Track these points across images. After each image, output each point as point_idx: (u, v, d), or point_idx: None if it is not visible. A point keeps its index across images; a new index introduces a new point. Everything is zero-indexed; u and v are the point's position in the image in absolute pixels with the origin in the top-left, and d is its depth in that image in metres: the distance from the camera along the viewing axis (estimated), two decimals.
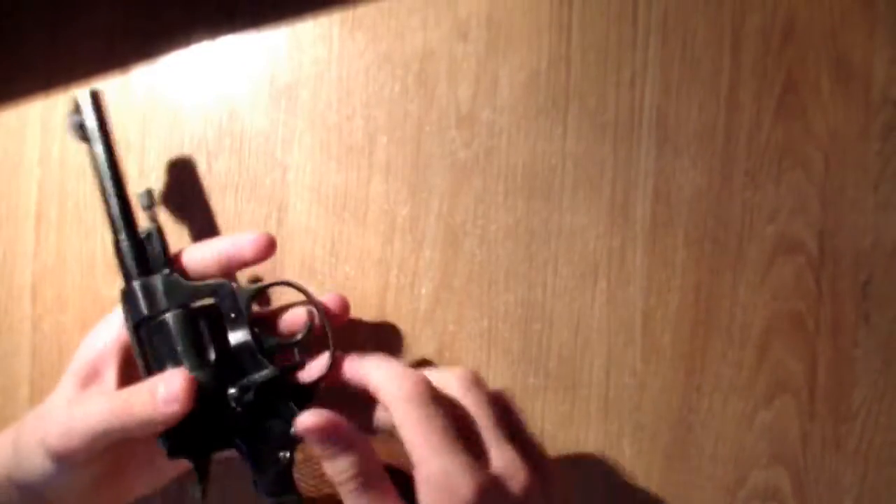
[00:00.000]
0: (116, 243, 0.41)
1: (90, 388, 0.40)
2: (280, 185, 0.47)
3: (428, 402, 0.34)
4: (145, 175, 0.49)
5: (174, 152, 0.49)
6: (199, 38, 0.49)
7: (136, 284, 0.40)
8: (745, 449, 0.42)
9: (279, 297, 0.47)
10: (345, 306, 0.42)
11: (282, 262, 0.47)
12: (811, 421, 0.41)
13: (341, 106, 0.47)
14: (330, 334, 0.40)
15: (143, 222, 0.42)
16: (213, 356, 0.39)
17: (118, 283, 0.41)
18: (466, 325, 0.45)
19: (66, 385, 0.40)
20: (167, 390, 0.36)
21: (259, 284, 0.41)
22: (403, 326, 0.46)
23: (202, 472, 0.38)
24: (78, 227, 0.50)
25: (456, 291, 0.45)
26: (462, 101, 0.45)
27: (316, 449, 0.34)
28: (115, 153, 0.41)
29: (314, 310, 0.41)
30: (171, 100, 0.49)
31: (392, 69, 0.46)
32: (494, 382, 0.44)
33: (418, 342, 0.45)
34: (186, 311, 0.39)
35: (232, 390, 0.38)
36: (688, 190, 0.43)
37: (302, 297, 0.42)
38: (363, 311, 0.46)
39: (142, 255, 0.40)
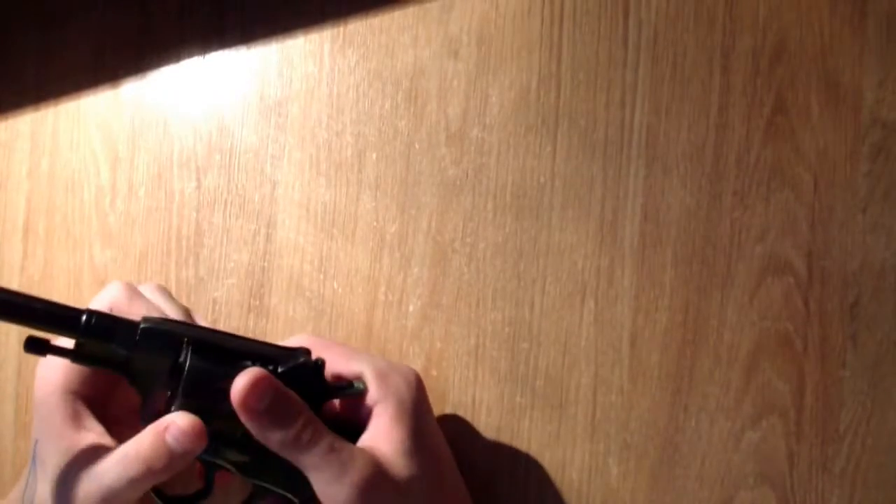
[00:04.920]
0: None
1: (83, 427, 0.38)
2: (269, 200, 0.47)
3: None
4: (134, 189, 0.49)
5: (164, 167, 0.49)
6: (190, 54, 0.49)
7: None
8: (731, 469, 0.41)
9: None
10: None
11: (270, 278, 0.47)
12: (798, 442, 0.41)
13: (331, 122, 0.47)
14: None
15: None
16: None
17: None
18: (454, 343, 0.45)
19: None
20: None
21: None
22: (391, 344, 0.45)
23: None
24: (65, 240, 0.50)
25: (443, 309, 0.45)
26: (452, 119, 0.45)
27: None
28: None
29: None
30: (161, 115, 0.49)
31: (382, 86, 0.46)
32: (481, 400, 0.44)
33: (405, 359, 0.45)
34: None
35: None
36: (676, 209, 0.42)
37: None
38: (351, 327, 0.46)
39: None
